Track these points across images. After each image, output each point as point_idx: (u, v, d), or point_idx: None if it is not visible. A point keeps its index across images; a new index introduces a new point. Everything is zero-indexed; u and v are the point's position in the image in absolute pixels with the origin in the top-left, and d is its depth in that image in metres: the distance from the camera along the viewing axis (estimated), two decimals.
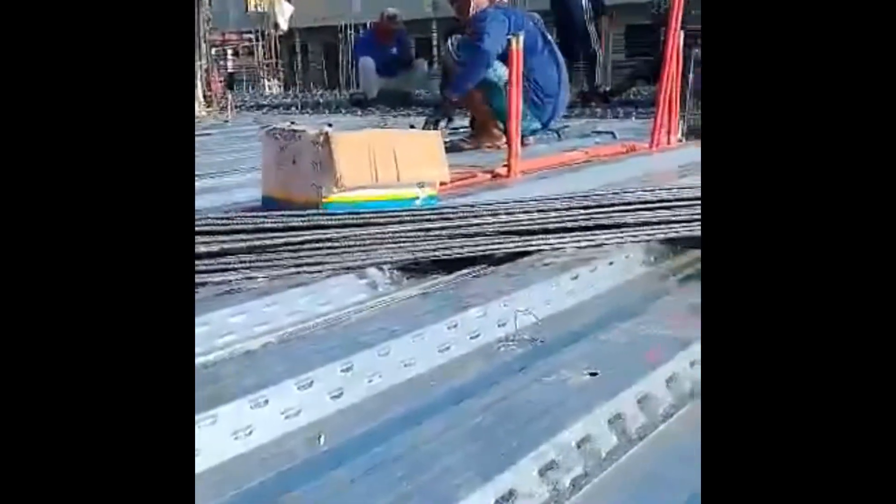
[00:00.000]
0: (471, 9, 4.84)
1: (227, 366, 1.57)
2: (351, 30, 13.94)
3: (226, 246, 2.13)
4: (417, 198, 2.75)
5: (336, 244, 2.25)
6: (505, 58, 4.04)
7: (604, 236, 2.44)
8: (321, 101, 10.16)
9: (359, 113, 8.24)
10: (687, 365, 1.55)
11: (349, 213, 2.39)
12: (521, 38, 3.75)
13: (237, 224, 2.21)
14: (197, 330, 1.67)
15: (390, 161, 2.61)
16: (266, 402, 1.34)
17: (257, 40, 13.58)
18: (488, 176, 3.72)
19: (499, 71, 4.51)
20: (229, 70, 13.82)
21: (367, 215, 2.37)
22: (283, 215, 2.30)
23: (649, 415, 1.38)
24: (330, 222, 2.31)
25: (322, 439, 1.33)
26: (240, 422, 1.31)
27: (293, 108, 9.12)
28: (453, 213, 2.42)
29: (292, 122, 2.92)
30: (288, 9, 12.96)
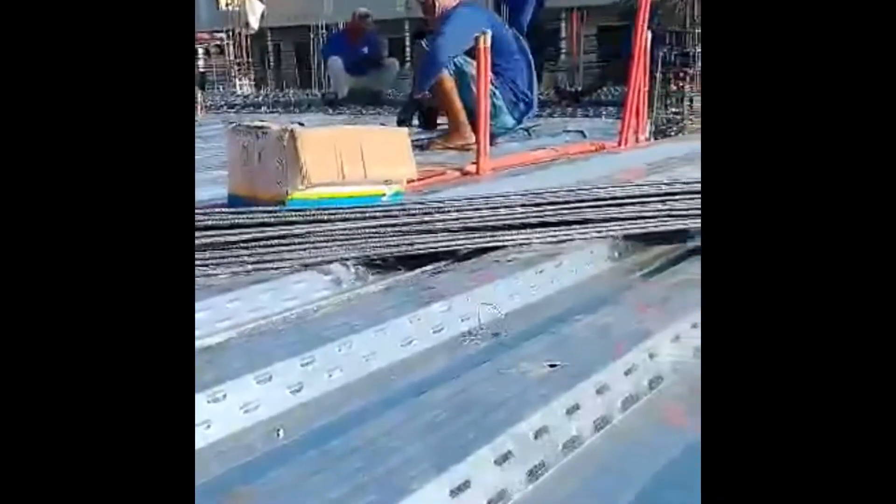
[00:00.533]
0: (436, 9, 4.86)
1: None
2: (323, 29, 13.90)
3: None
4: (384, 195, 2.74)
5: (300, 240, 2.25)
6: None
7: (569, 232, 2.45)
8: (293, 100, 10.11)
9: (330, 112, 8.22)
10: (646, 357, 1.57)
11: (315, 210, 2.38)
12: (489, 36, 3.77)
13: (198, 221, 2.19)
14: None
15: (357, 158, 2.60)
16: (224, 396, 1.34)
17: (229, 39, 13.50)
18: (457, 173, 3.73)
19: (468, 67, 4.53)
20: (200, 70, 13.72)
21: (332, 211, 2.37)
22: (243, 212, 2.30)
23: (607, 406, 1.40)
24: (294, 218, 2.31)
25: (281, 433, 1.33)
26: (198, 416, 1.30)
27: (264, 108, 9.06)
28: (418, 209, 2.43)
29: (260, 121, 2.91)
30: (259, 7, 12.90)
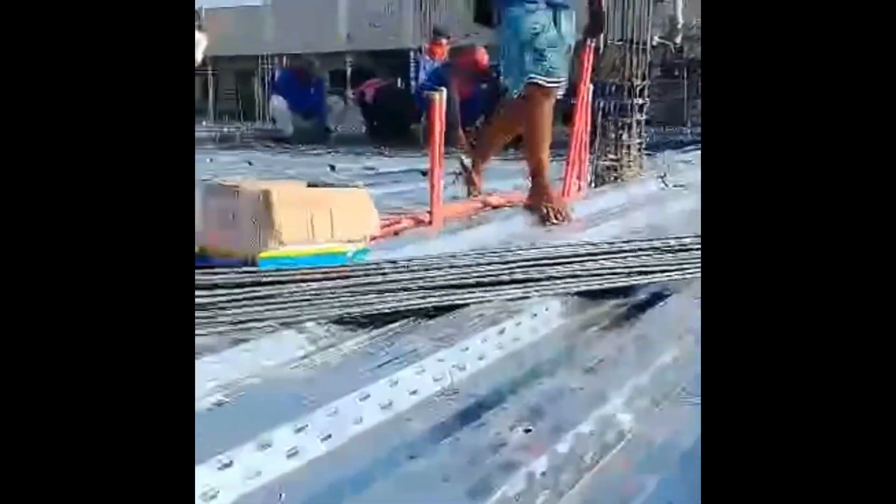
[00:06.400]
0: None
1: None
2: (266, 60, 13.95)
3: None
4: (348, 252, 2.88)
5: (273, 301, 2.36)
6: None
7: (521, 290, 2.62)
8: (236, 134, 10.16)
9: (276, 149, 8.32)
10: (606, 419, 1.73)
11: (284, 269, 2.51)
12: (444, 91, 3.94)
13: None
14: None
15: (326, 218, 2.74)
16: (231, 463, 1.45)
17: None
18: (412, 223, 3.88)
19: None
20: None
21: (301, 272, 2.50)
22: (217, 272, 2.42)
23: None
24: (264, 279, 2.43)
25: (282, 496, 1.45)
26: (200, 484, 1.41)
27: (208, 143, 9.10)
28: (377, 269, 2.58)
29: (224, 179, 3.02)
30: (202, 40, 12.87)
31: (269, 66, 14.44)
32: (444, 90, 3.91)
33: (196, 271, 2.49)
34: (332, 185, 3.47)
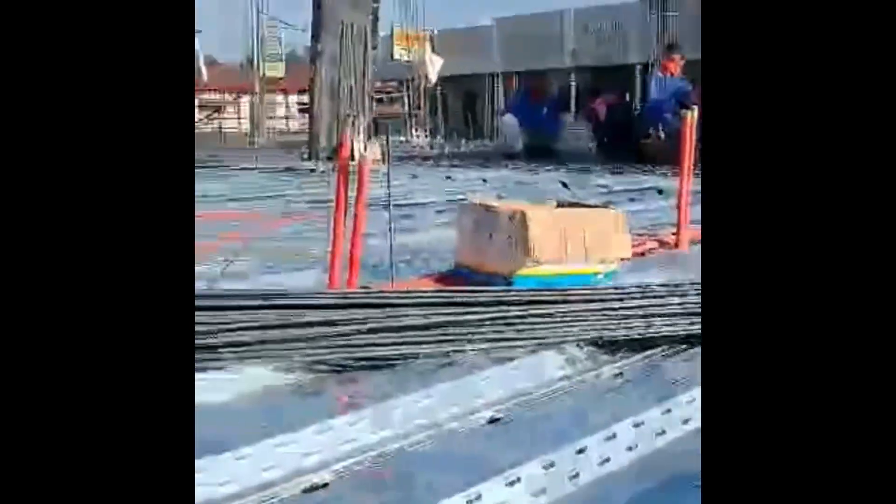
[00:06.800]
0: None
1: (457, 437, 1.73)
2: (495, 79, 14.24)
3: (436, 320, 2.31)
4: (599, 273, 2.87)
5: (530, 320, 2.40)
6: None
7: None
8: (466, 151, 10.47)
9: (508, 166, 8.48)
10: None
11: (538, 289, 2.55)
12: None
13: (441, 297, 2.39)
14: (409, 404, 1.85)
15: (580, 238, 2.76)
16: (518, 480, 1.48)
17: (405, 90, 14.07)
18: (657, 244, 3.81)
19: None
20: (374, 117, 14.35)
21: (557, 292, 2.51)
22: (473, 290, 2.49)
23: None
24: (522, 298, 2.47)
25: None
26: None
27: (443, 161, 9.44)
28: (634, 292, 2.55)
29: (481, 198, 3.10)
30: (437, 61, 13.42)
31: (498, 84, 14.75)
32: (696, 108, 3.81)
33: (450, 288, 2.59)
34: (578, 205, 3.47)
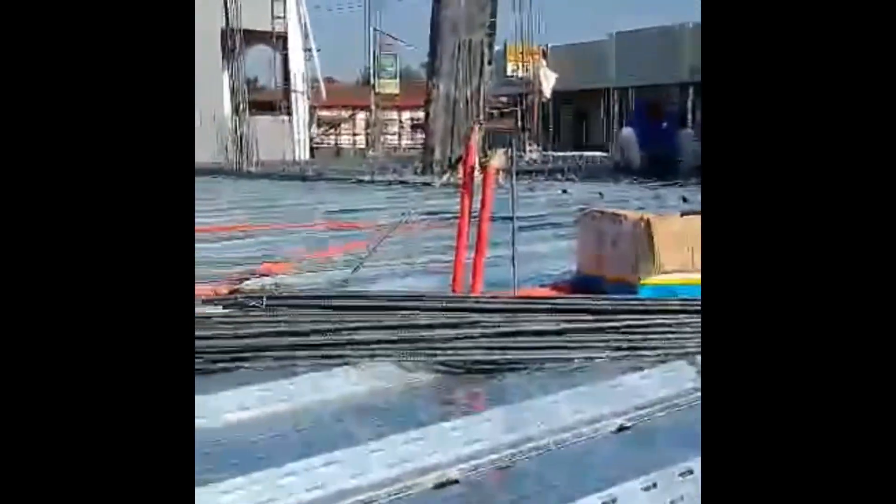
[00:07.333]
0: None
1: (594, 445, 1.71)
2: (611, 94, 14.14)
3: (561, 327, 2.30)
4: None
5: (655, 330, 2.35)
6: None
7: None
8: (581, 165, 10.40)
9: (626, 180, 8.39)
10: None
11: (663, 298, 2.50)
12: None
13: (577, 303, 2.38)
14: (537, 407, 1.85)
15: None
16: (655, 485, 1.45)
17: (518, 104, 14.14)
18: None
19: None
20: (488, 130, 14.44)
21: (684, 301, 2.46)
22: (598, 298, 2.46)
23: None
24: (648, 307, 2.43)
25: None
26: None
27: (558, 175, 9.42)
28: None
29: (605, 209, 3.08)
30: (552, 76, 13.44)
31: (614, 99, 14.60)
32: None
33: (576, 296, 2.56)
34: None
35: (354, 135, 24.60)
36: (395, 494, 1.52)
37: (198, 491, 1.43)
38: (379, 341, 2.15)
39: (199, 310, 2.54)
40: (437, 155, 10.12)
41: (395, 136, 24.30)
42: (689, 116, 12.81)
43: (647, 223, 2.69)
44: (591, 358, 2.20)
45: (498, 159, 2.67)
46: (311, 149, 20.52)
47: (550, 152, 13.51)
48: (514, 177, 3.00)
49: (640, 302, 2.44)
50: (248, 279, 3.28)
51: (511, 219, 2.84)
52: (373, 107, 19.04)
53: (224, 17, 14.64)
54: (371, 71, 19.23)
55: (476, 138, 2.86)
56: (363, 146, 21.57)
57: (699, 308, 2.41)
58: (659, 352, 2.25)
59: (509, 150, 3.04)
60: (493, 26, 10.71)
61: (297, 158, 17.84)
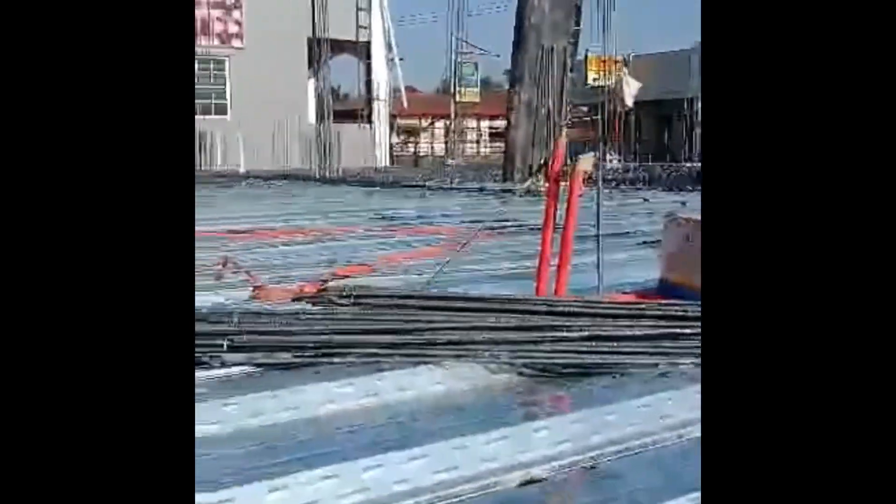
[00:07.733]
0: None
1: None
2: (693, 104, 13.93)
3: (647, 332, 2.28)
4: None
5: None
6: None
7: None
8: (662, 175, 10.26)
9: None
10: None
11: None
12: None
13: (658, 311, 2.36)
14: (622, 411, 1.83)
15: None
16: None
17: (598, 113, 14.03)
18: None
19: None
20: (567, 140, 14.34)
21: None
22: (685, 304, 2.43)
23: None
24: None
25: None
26: None
27: (638, 183, 9.31)
28: None
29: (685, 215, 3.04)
30: (634, 84, 13.31)
31: (695, 108, 14.35)
32: None
33: (663, 301, 2.54)
34: None
35: (433, 143, 24.79)
36: (480, 491, 1.54)
37: (286, 480, 1.49)
38: (463, 342, 2.17)
39: (289, 307, 2.62)
40: (518, 162, 10.11)
41: (475, 145, 24.39)
42: None
43: None
44: (676, 364, 2.18)
45: (586, 162, 2.66)
46: (392, 156, 20.82)
47: (631, 162, 13.36)
48: (601, 182, 2.99)
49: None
50: (334, 279, 3.36)
51: (595, 226, 2.84)
52: (453, 115, 19.17)
53: (311, 27, 14.97)
54: (452, 80, 19.36)
55: (563, 143, 2.86)
56: (442, 154, 21.75)
57: None
58: None
59: (596, 154, 3.03)
60: (576, 34, 10.66)
61: (377, 166, 18.12)
